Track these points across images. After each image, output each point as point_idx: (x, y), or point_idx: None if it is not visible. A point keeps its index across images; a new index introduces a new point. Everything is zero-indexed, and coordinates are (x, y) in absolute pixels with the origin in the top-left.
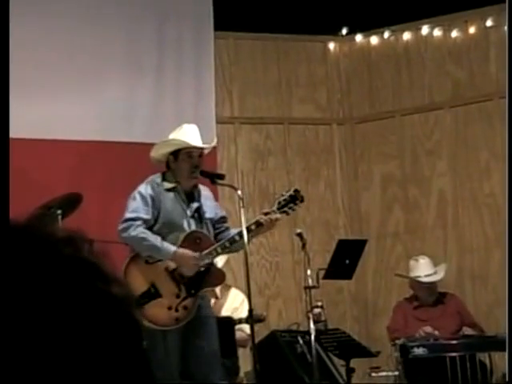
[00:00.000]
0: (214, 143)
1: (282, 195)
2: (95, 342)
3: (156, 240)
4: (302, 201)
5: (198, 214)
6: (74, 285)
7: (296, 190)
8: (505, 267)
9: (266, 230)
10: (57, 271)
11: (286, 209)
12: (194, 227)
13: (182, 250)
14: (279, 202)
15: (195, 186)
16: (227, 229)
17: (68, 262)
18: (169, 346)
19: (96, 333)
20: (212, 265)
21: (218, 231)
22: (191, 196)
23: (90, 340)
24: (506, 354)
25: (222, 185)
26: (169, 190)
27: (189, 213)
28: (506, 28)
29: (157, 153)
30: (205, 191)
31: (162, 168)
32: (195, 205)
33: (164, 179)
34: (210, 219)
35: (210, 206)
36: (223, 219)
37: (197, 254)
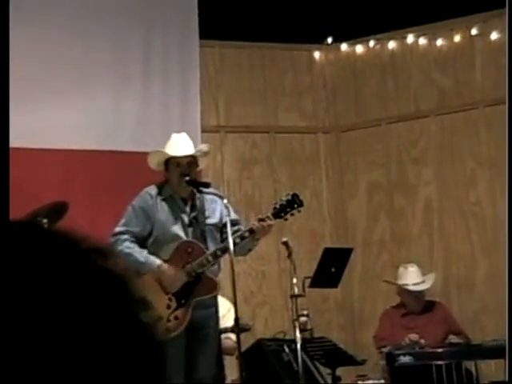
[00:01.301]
0: (203, 146)
1: (280, 200)
2: (118, 361)
3: (141, 255)
4: (301, 205)
5: (197, 222)
6: (105, 297)
7: (294, 195)
8: (491, 275)
9: (260, 236)
10: (90, 281)
11: (282, 214)
12: (191, 235)
13: (164, 266)
14: (275, 208)
15: (194, 193)
16: (236, 232)
17: (101, 273)
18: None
19: (120, 350)
20: (203, 274)
21: (226, 236)
22: (191, 203)
23: (114, 357)
24: (507, 354)
25: (208, 193)
26: (165, 199)
27: (186, 221)
28: (492, 35)
29: (151, 164)
30: (209, 197)
31: (151, 176)
32: (195, 212)
33: (161, 188)
34: (215, 224)
35: (216, 210)
36: (234, 222)
37: (179, 270)
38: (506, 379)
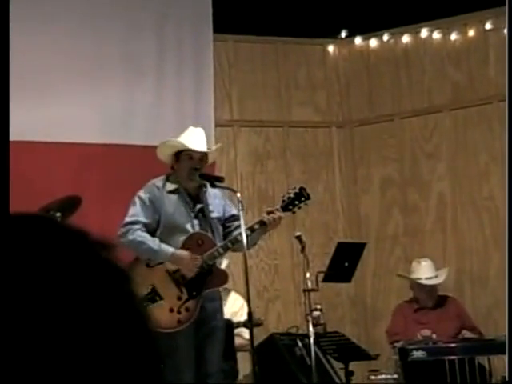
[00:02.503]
0: (216, 147)
1: (288, 193)
2: (113, 350)
3: (154, 243)
4: (308, 198)
5: (203, 215)
6: (108, 288)
7: (302, 188)
8: (504, 270)
9: (271, 228)
10: (94, 272)
11: (290, 207)
12: (197, 228)
13: (180, 252)
14: (283, 201)
15: (200, 187)
16: (237, 227)
17: (105, 265)
18: (181, 354)
19: (119, 343)
20: (214, 266)
21: (228, 230)
22: (196, 196)
23: (109, 347)
24: (506, 354)
25: (222, 187)
26: (171, 191)
27: (192, 214)
28: (505, 30)
29: (160, 154)
30: (213, 190)
31: (163, 170)
32: (199, 205)
33: (168, 180)
34: (218, 218)
35: (218, 205)
36: (233, 217)
37: (196, 255)
38: (507, 378)
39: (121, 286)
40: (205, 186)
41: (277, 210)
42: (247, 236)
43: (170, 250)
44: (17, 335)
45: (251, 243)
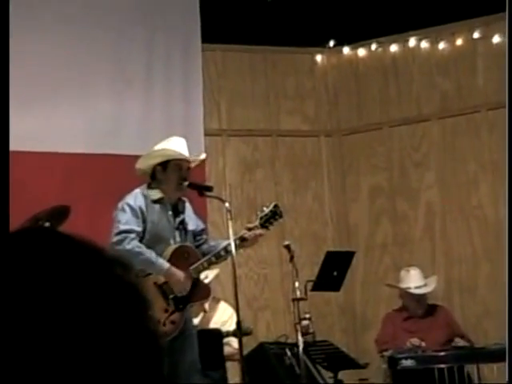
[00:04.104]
0: (202, 156)
1: (263, 211)
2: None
3: (151, 254)
4: (281, 216)
5: (183, 227)
6: (120, 306)
7: (275, 206)
8: (493, 278)
9: (250, 244)
10: (109, 289)
11: (267, 224)
12: (178, 239)
13: (174, 270)
14: (261, 218)
15: (180, 199)
16: (206, 241)
17: (120, 283)
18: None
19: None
20: (198, 279)
21: (197, 243)
22: (176, 208)
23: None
24: (507, 354)
25: (210, 197)
26: (155, 201)
27: (174, 225)
28: (494, 38)
29: (146, 163)
30: (187, 203)
31: (147, 180)
32: (180, 217)
33: (150, 190)
34: (192, 231)
35: (192, 218)
36: (203, 231)
37: (187, 276)
38: (507, 381)
39: (133, 305)
40: (201, 195)
41: (256, 226)
42: (226, 251)
43: (166, 264)
44: (35, 349)
45: (227, 257)
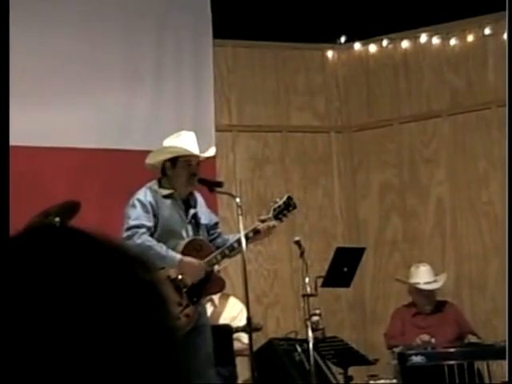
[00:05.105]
0: (212, 153)
1: (276, 202)
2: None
3: (161, 248)
4: (295, 207)
5: (195, 221)
6: (144, 307)
7: (289, 197)
8: (503, 275)
9: (263, 237)
10: (134, 292)
11: (280, 216)
12: (191, 234)
13: (187, 259)
14: (274, 209)
15: (191, 193)
16: (220, 234)
17: (138, 280)
18: None
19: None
20: (212, 272)
21: (211, 237)
22: (188, 203)
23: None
24: (506, 354)
25: (221, 193)
26: (166, 196)
27: (186, 219)
28: (505, 36)
29: (155, 159)
30: (199, 198)
31: (158, 175)
32: (192, 211)
33: (160, 186)
34: (206, 225)
35: (205, 212)
36: (216, 225)
37: (201, 262)
38: (507, 379)
39: (153, 304)
40: (211, 191)
41: (269, 218)
42: (239, 243)
43: (177, 256)
44: (52, 352)
45: (240, 249)
